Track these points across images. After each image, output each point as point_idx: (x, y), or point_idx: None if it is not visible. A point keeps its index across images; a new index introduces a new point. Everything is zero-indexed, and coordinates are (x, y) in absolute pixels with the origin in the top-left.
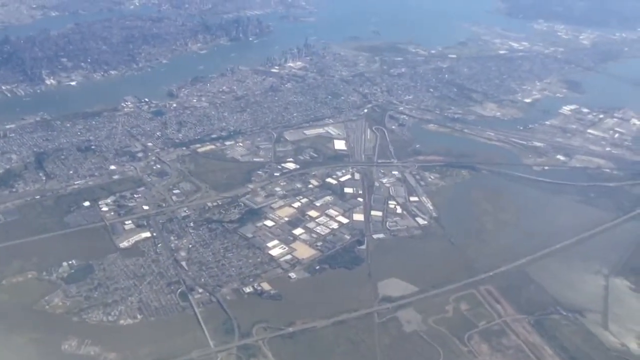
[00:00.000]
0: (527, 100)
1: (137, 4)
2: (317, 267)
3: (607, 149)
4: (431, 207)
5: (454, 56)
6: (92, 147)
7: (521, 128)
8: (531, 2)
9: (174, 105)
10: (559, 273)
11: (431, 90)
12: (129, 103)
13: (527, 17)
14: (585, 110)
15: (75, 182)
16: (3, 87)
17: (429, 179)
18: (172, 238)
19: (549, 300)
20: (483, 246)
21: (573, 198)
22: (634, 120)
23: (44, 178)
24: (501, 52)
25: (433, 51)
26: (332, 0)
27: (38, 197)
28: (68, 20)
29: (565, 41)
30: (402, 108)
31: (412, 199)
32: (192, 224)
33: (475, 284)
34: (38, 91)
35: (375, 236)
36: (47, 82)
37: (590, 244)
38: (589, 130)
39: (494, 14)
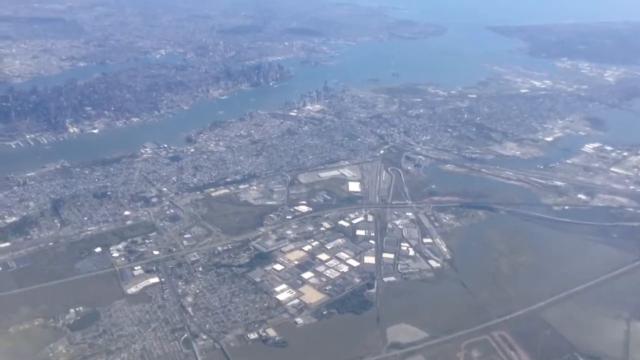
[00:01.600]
0: (548, 139)
1: (164, 53)
2: (325, 312)
3: (631, 187)
4: (445, 249)
5: (474, 96)
6: (108, 193)
7: (541, 167)
8: (554, 42)
9: (192, 150)
10: (577, 317)
11: (449, 130)
12: (148, 149)
13: (550, 56)
14: (608, 148)
15: (89, 229)
16: (27, 136)
17: (444, 220)
18: (180, 283)
19: (566, 346)
20: (498, 290)
21: (594, 238)
22: None
23: (58, 225)
24: (522, 91)
25: (453, 92)
26: (353, 46)
27: (51, 243)
28: (95, 70)
29: (589, 79)
30: (419, 149)
31: (425, 240)
32: (200, 269)
33: (489, 330)
34: (61, 139)
35: (385, 279)
36: (70, 130)
37: (611, 286)
38: (612, 169)
39: (516, 54)
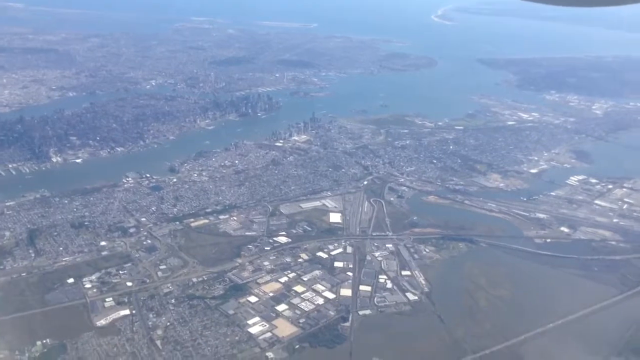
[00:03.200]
0: (533, 171)
1: (154, 84)
2: (297, 346)
3: (615, 220)
4: (423, 282)
5: (460, 128)
6: (86, 223)
7: (525, 199)
8: (543, 74)
9: (174, 180)
10: (554, 354)
11: (434, 161)
12: (130, 179)
13: (539, 89)
14: (593, 180)
15: (64, 259)
16: (9, 165)
17: (424, 252)
18: (150, 315)
19: None
20: (474, 324)
21: (575, 272)
22: None
23: (33, 255)
24: (509, 123)
25: (440, 123)
26: (344, 77)
27: (24, 274)
28: (85, 100)
29: (577, 111)
30: (402, 179)
31: (404, 273)
32: (173, 301)
33: None
34: (43, 169)
35: (361, 312)
36: (53, 159)
37: (590, 321)
38: (596, 201)
39: (505, 87)
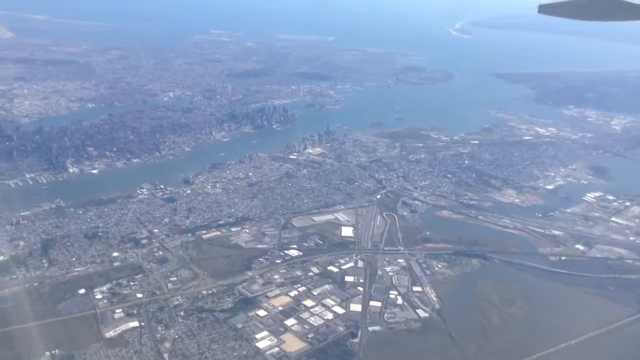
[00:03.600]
0: (549, 187)
1: (172, 96)
2: None
3: (631, 238)
4: (434, 298)
5: (476, 142)
6: (99, 233)
7: (540, 215)
8: (560, 89)
9: (188, 191)
10: None
11: (449, 176)
12: (145, 190)
13: (556, 104)
14: (610, 197)
15: (76, 269)
16: (27, 175)
17: (436, 268)
18: (159, 328)
19: None
20: (485, 342)
21: (589, 291)
22: None
23: (46, 265)
24: (526, 137)
25: (455, 137)
26: (360, 90)
27: (36, 284)
28: (103, 111)
29: (595, 126)
30: (416, 194)
31: (415, 288)
32: (182, 313)
33: None
34: (60, 179)
35: (370, 328)
36: (70, 170)
37: (605, 341)
38: (612, 219)
39: (522, 101)
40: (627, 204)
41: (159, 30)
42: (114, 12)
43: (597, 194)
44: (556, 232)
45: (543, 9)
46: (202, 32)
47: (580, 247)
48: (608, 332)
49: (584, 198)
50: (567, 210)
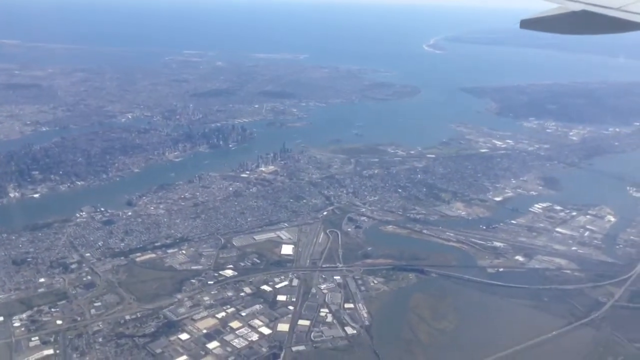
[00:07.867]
0: (498, 199)
1: (130, 117)
2: None
3: (573, 248)
4: (365, 315)
5: (432, 156)
6: (28, 259)
7: (484, 228)
8: (524, 102)
9: (129, 213)
10: None
11: (399, 190)
12: (84, 213)
13: (518, 116)
14: (557, 207)
15: None
16: None
17: (371, 284)
18: (74, 356)
19: None
20: (410, 358)
21: (523, 302)
22: (609, 217)
23: None
24: (482, 150)
25: (412, 152)
26: (323, 107)
27: None
28: (57, 134)
29: (553, 138)
30: (364, 209)
31: (347, 305)
32: (100, 340)
33: None
34: None
35: (294, 348)
36: (11, 195)
37: (532, 354)
38: (557, 229)
39: (485, 114)
40: (574, 213)
41: (131, 51)
42: (86, 35)
43: (544, 205)
44: (498, 244)
45: (525, 24)
46: (174, 52)
47: (520, 258)
48: (536, 345)
49: (530, 209)
50: (512, 221)
